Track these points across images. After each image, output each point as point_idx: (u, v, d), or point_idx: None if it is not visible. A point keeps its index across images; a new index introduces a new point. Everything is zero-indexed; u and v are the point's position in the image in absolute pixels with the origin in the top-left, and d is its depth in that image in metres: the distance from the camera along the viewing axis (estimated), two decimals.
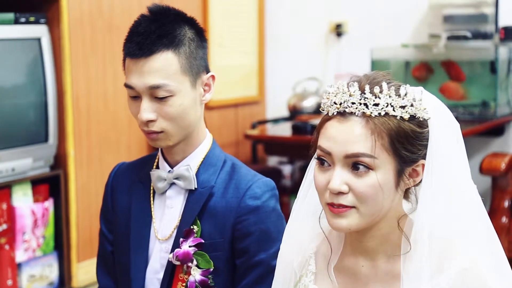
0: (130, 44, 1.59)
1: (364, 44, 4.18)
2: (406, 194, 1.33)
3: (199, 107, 1.65)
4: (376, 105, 1.25)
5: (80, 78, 3.31)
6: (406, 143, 1.25)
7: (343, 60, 4.39)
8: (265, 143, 4.06)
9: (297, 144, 3.74)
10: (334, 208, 1.26)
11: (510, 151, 3.98)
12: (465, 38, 3.93)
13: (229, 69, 4.35)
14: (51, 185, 3.17)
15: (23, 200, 3.06)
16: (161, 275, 1.65)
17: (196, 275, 1.60)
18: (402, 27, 4.22)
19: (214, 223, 1.62)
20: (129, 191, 1.73)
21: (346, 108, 1.26)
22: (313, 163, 1.34)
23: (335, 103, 1.27)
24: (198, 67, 1.62)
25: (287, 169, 4.40)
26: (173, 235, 1.64)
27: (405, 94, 1.26)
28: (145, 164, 1.75)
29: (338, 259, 1.36)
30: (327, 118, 1.29)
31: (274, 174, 4.04)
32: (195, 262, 1.60)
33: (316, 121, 3.68)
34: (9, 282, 2.99)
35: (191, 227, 1.61)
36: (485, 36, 3.93)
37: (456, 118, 1.35)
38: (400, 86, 1.28)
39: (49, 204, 3.15)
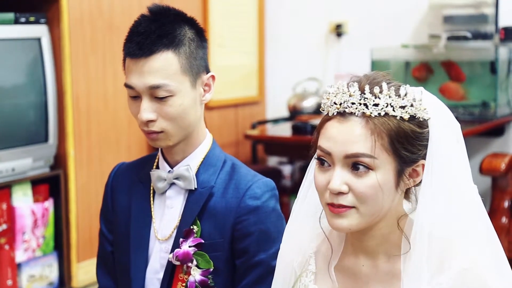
0: (130, 44, 1.59)
1: (364, 44, 4.18)
2: (407, 194, 1.33)
3: (199, 107, 1.65)
4: (376, 105, 1.25)
5: (80, 78, 3.31)
6: (406, 143, 1.25)
7: (343, 60, 4.39)
8: (265, 143, 4.06)
9: (297, 144, 3.73)
10: (334, 208, 1.26)
11: (510, 151, 3.98)
12: (465, 38, 3.92)
13: (229, 69, 4.35)
14: (51, 185, 3.17)
15: (23, 200, 3.06)
16: (161, 275, 1.65)
17: (196, 275, 1.60)
18: (402, 27, 4.21)
19: (214, 223, 1.62)
20: (129, 191, 1.73)
21: (346, 108, 1.26)
22: (313, 163, 1.34)
23: (335, 103, 1.27)
24: (198, 67, 1.62)
25: (287, 169, 4.40)
26: (173, 235, 1.64)
27: (405, 94, 1.26)
28: (145, 164, 1.75)
29: (338, 259, 1.36)
30: (327, 118, 1.29)
31: (274, 174, 4.04)
32: (195, 262, 1.60)
33: (316, 121, 3.68)
34: (9, 282, 2.99)
35: (191, 227, 1.61)
36: (485, 36, 3.92)
37: (456, 118, 1.35)
38: (400, 86, 1.28)
39: (49, 204, 3.15)
